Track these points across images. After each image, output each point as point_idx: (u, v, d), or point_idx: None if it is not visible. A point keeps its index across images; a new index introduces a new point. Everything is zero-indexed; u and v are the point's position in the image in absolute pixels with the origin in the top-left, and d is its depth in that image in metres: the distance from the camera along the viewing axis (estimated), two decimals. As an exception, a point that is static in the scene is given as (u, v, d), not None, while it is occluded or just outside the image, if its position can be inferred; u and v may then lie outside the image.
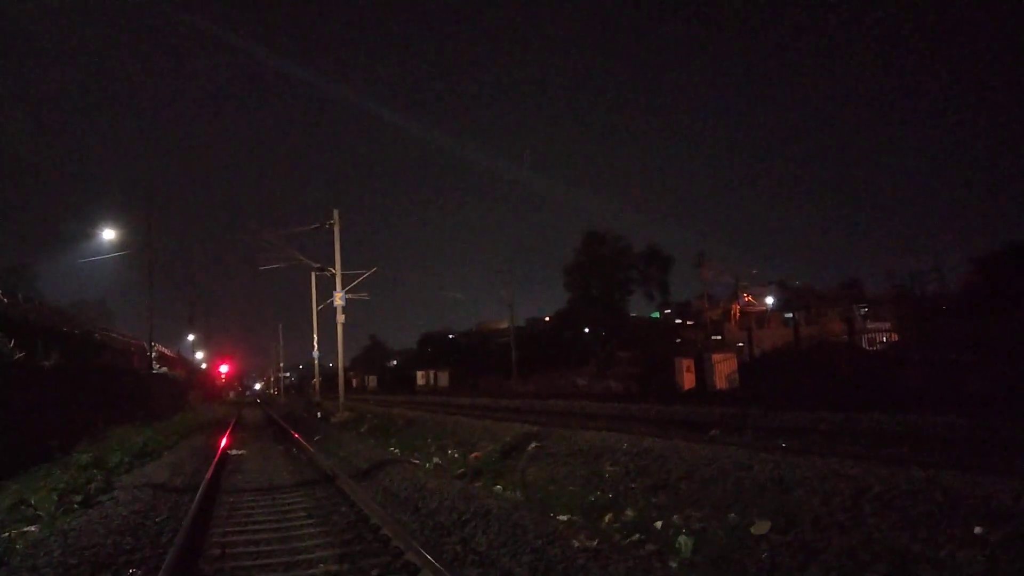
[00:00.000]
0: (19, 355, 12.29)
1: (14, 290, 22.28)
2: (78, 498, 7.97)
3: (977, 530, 4.20)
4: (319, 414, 27.18)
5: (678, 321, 62.24)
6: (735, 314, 48.24)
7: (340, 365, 27.76)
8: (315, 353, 37.67)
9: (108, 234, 30.92)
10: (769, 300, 50.35)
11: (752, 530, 4.98)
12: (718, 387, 29.22)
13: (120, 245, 31.06)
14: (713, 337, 45.32)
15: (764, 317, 44.96)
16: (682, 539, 5.04)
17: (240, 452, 14.26)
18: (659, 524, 5.53)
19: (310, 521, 6.92)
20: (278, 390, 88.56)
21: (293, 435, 16.84)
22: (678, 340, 48.07)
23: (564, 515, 6.21)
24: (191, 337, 61.50)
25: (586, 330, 54.57)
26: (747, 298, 50.56)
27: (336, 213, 27.02)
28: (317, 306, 36.78)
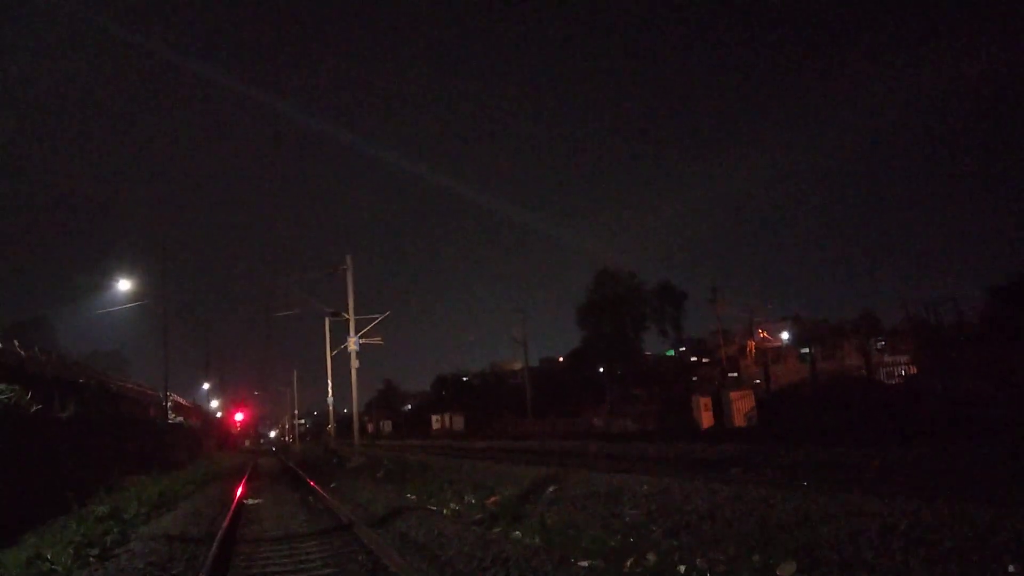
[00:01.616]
0: (36, 407, 12.34)
1: (31, 342, 22.48)
2: (95, 551, 7.92)
3: (1011, 568, 4.10)
4: (334, 460, 27.01)
5: (693, 358, 61.80)
6: (751, 350, 47.84)
7: (355, 410, 27.69)
8: (329, 399, 37.60)
9: (123, 285, 31.30)
10: (784, 335, 49.94)
11: (778, 571, 4.87)
12: (736, 424, 28.86)
13: (135, 295, 31.42)
14: (729, 374, 44.91)
15: (780, 352, 44.56)
16: (707, 582, 4.94)
17: (256, 501, 14.16)
18: (682, 568, 5.42)
19: (327, 571, 6.83)
20: (293, 437, 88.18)
21: (309, 483, 16.73)
22: (694, 378, 47.69)
23: (585, 560, 6.09)
24: (206, 386, 61.64)
25: (600, 369, 54.25)
26: (762, 334, 50.19)
27: (349, 259, 27.26)
28: (331, 352, 36.85)
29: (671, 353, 62.74)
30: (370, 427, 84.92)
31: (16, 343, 18.30)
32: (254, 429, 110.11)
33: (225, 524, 9.66)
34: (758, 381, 37.07)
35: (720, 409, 30.48)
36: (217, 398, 69.03)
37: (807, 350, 39.14)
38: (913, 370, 27.02)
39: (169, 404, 31.92)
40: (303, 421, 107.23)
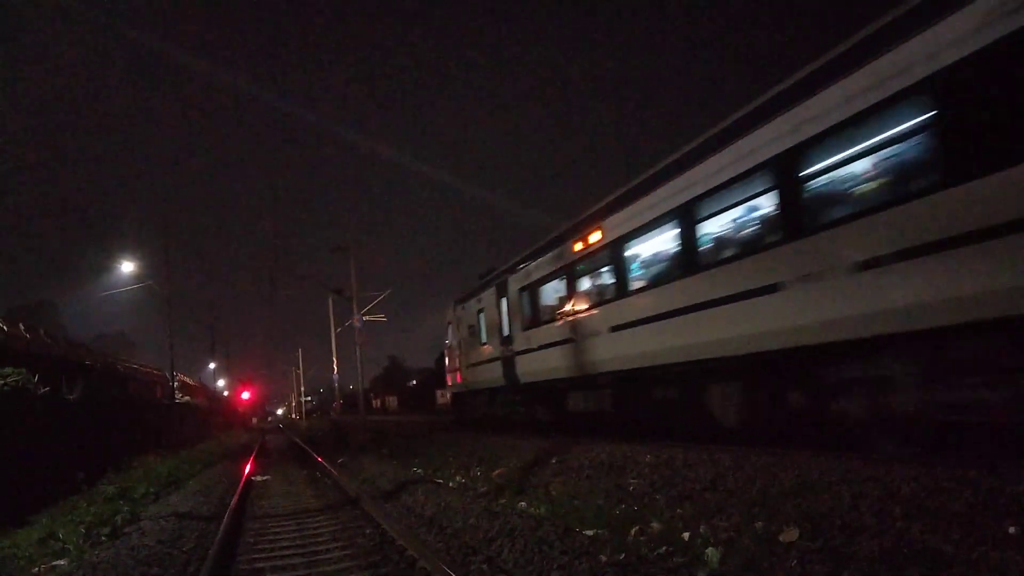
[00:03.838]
0: (43, 390, 12.42)
1: (37, 325, 22.58)
2: (105, 530, 8.03)
3: (1011, 530, 4.13)
4: (341, 437, 27.23)
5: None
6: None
7: (360, 387, 27.84)
8: (335, 376, 37.83)
9: (128, 267, 31.36)
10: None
11: (781, 538, 4.91)
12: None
13: (139, 277, 31.48)
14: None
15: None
16: (710, 550, 4.98)
17: (264, 478, 14.30)
18: (686, 536, 5.47)
19: (336, 544, 6.92)
20: (300, 414, 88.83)
21: (316, 459, 16.87)
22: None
23: (590, 530, 6.15)
24: (212, 365, 61.97)
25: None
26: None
27: (352, 237, 27.20)
28: (336, 329, 36.97)
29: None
30: (376, 403, 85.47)
31: (22, 326, 18.38)
32: (261, 407, 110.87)
33: (234, 501, 9.77)
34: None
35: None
36: (224, 377, 69.46)
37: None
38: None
39: (176, 384, 32.12)
40: (309, 398, 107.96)
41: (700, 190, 9.27)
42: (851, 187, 7.25)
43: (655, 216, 10.51)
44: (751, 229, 8.77)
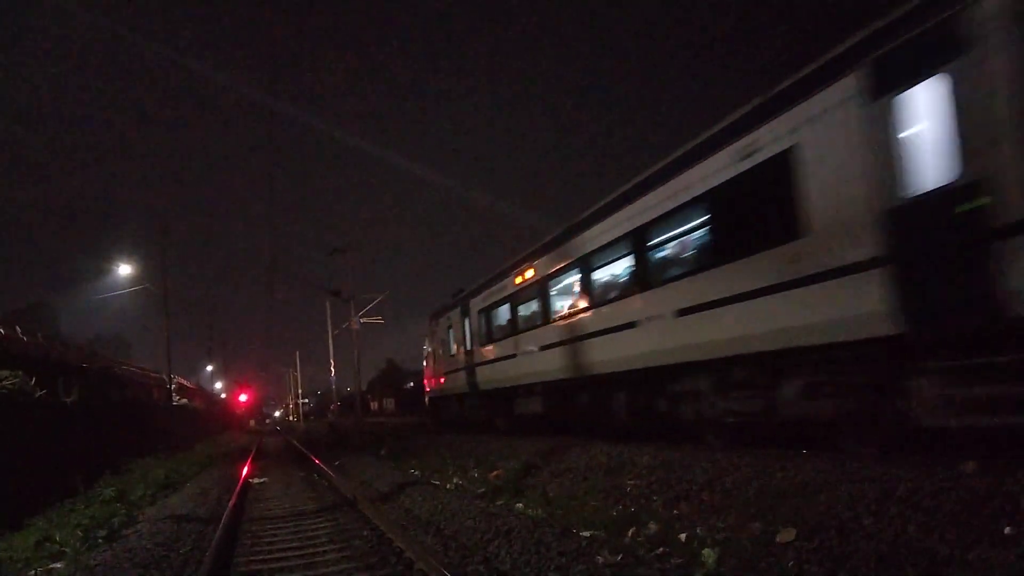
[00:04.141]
0: (40, 392, 12.40)
1: (33, 328, 22.53)
2: (102, 533, 8.01)
3: (1007, 530, 4.14)
4: (338, 439, 27.20)
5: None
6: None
7: (358, 389, 27.84)
8: (332, 378, 37.80)
9: (124, 269, 31.35)
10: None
11: (777, 538, 4.93)
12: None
13: (136, 280, 31.46)
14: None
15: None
16: (707, 551, 5.00)
17: (262, 480, 14.28)
18: (683, 536, 5.48)
19: (333, 546, 6.92)
20: (297, 416, 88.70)
21: (313, 461, 16.86)
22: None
23: (587, 531, 6.17)
24: (210, 367, 61.89)
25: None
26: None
27: (348, 238, 27.22)
28: (333, 332, 36.95)
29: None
30: (373, 405, 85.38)
31: (18, 329, 18.35)
32: (258, 409, 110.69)
33: (231, 503, 9.76)
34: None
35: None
36: (221, 379, 69.35)
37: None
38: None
39: (173, 386, 32.07)
40: (307, 400, 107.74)
41: (593, 247, 12.36)
42: (672, 257, 10.31)
43: (567, 263, 13.46)
44: (620, 281, 11.76)
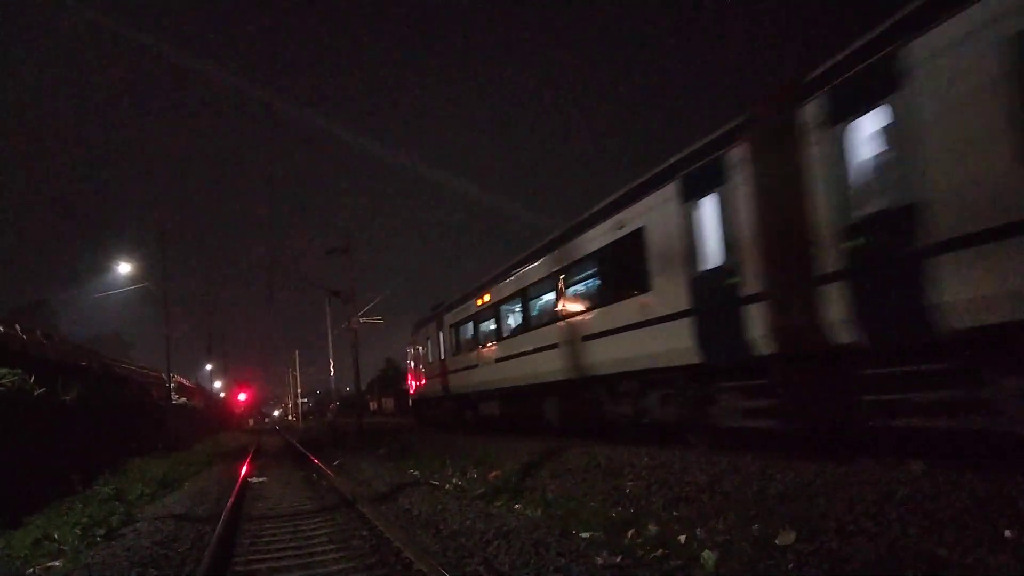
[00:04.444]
0: (39, 391, 12.37)
1: (33, 326, 22.50)
2: (101, 531, 8.00)
3: (1007, 533, 4.14)
4: (337, 438, 27.18)
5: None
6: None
7: (357, 389, 27.83)
8: (331, 377, 37.78)
9: (124, 268, 31.34)
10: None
11: (777, 541, 4.92)
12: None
13: (136, 279, 31.45)
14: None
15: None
16: (706, 553, 4.99)
17: (261, 479, 14.27)
18: (682, 538, 5.48)
19: (332, 546, 6.91)
20: (296, 416, 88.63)
21: (312, 461, 16.84)
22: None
23: (586, 532, 6.16)
24: (209, 367, 61.86)
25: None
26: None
27: (349, 238, 27.20)
28: (332, 331, 36.94)
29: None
30: (372, 405, 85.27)
31: (18, 327, 18.33)
32: (257, 409, 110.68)
33: (230, 502, 9.75)
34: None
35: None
36: (220, 378, 69.31)
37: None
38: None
39: (172, 385, 32.06)
40: (306, 400, 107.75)
41: (528, 282, 15.48)
42: (580, 295, 13.14)
43: (511, 293, 16.58)
44: (546, 311, 14.77)
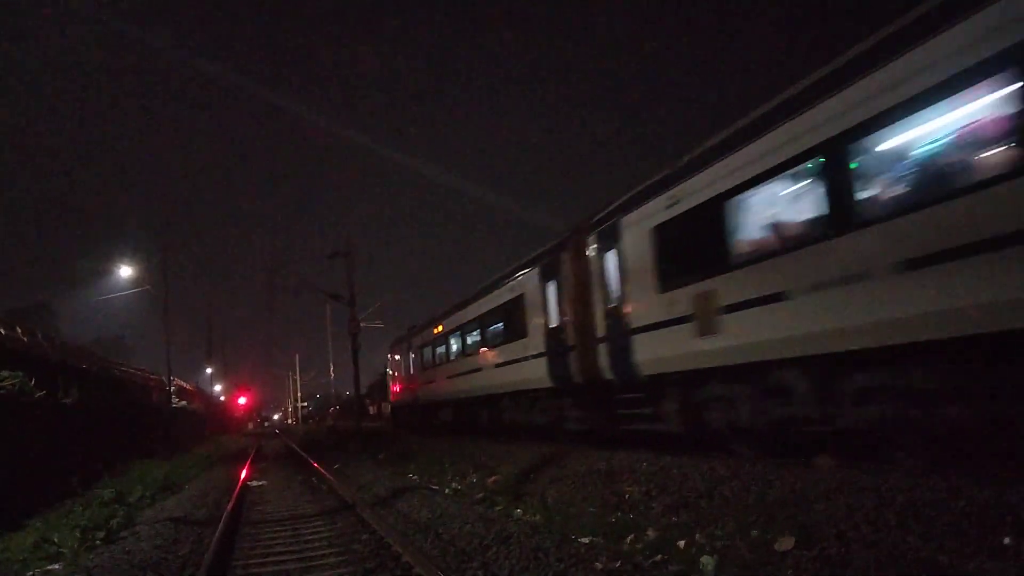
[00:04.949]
0: (40, 393, 12.39)
1: (34, 328, 22.51)
2: (100, 534, 8.00)
3: (1006, 540, 4.14)
4: (337, 443, 27.15)
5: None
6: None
7: (357, 393, 27.80)
8: (331, 381, 37.71)
9: (125, 271, 31.35)
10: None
11: (776, 546, 4.92)
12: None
13: (137, 282, 31.46)
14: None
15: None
16: (705, 558, 4.99)
17: (260, 483, 14.27)
18: (682, 544, 5.48)
19: (332, 550, 6.91)
20: (296, 420, 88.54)
21: (312, 465, 16.84)
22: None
23: (585, 537, 6.16)
24: (209, 370, 61.81)
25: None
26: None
27: (350, 242, 27.19)
28: (333, 335, 36.91)
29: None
30: (372, 409, 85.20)
31: (19, 329, 18.34)
32: (257, 412, 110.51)
33: (229, 506, 9.75)
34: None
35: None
36: (220, 382, 69.24)
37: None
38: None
39: (172, 388, 32.03)
40: (306, 404, 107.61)
41: (464, 320, 20.10)
42: (493, 334, 17.64)
43: (455, 326, 21.05)
44: (475, 343, 19.18)
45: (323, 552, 6.87)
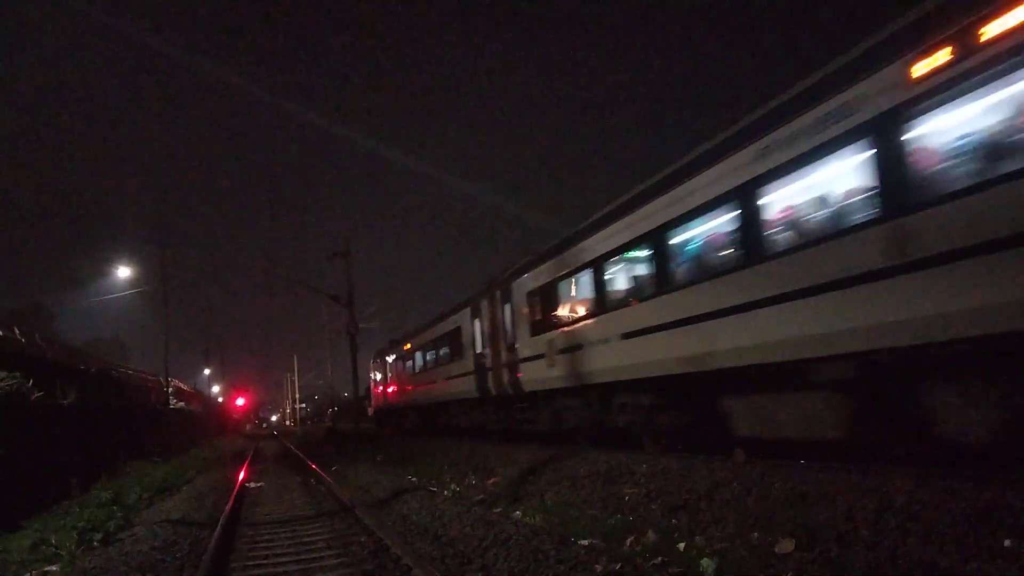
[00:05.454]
0: (37, 394, 12.34)
1: (31, 329, 22.45)
2: (98, 536, 7.97)
3: (1007, 543, 4.14)
4: (335, 444, 27.12)
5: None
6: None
7: (355, 394, 27.81)
8: (328, 382, 37.66)
9: (123, 272, 31.34)
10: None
11: (776, 549, 4.92)
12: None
13: (135, 283, 31.44)
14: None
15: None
16: (705, 561, 4.98)
17: (258, 484, 14.24)
18: (681, 546, 5.47)
19: (330, 552, 6.89)
20: (294, 421, 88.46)
21: (310, 466, 16.82)
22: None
23: (585, 539, 6.14)
24: (207, 371, 61.80)
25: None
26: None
27: (348, 243, 27.21)
28: (332, 336, 36.85)
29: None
30: (371, 410, 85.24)
31: (16, 330, 18.31)
32: (255, 413, 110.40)
33: (228, 507, 9.72)
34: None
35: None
36: (218, 383, 69.18)
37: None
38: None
39: (170, 389, 32.00)
40: (304, 405, 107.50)
41: (422, 342, 24.79)
42: (443, 356, 22.27)
43: (420, 345, 25.22)
44: (430, 361, 23.76)
45: (322, 554, 6.85)
